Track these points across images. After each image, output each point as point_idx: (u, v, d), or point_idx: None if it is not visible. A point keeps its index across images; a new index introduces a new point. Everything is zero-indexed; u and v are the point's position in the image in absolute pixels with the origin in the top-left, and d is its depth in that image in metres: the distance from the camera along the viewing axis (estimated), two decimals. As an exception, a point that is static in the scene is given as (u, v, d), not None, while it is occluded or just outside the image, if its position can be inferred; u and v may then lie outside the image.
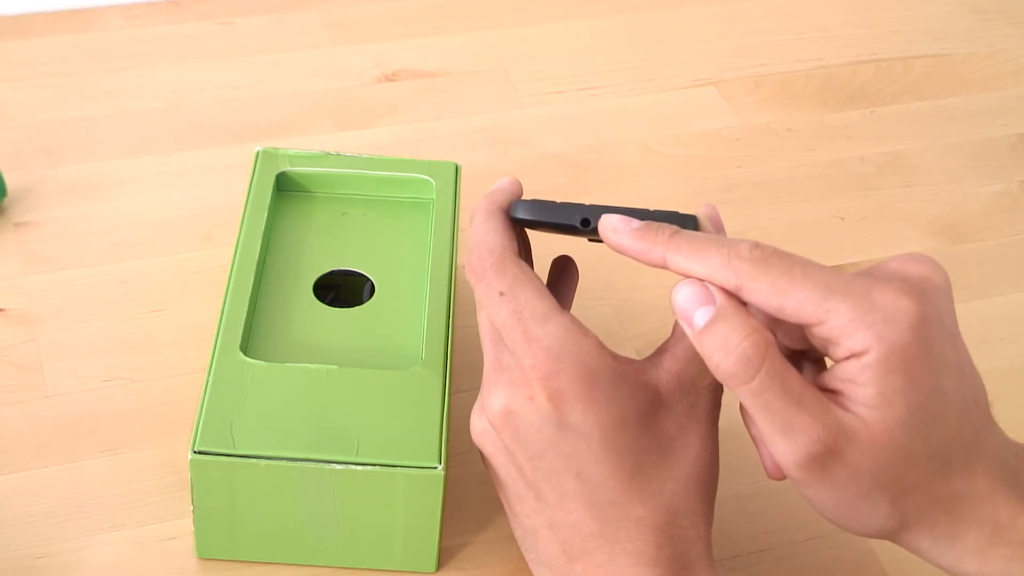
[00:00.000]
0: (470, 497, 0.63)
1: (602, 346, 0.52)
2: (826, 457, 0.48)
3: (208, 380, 0.58)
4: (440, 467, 0.56)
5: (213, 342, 0.60)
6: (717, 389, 0.54)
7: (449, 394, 0.59)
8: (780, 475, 0.51)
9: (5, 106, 0.84)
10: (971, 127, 0.88)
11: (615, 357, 0.52)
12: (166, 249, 0.75)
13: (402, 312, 0.63)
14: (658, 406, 0.53)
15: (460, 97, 0.87)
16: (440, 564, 0.61)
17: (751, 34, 0.95)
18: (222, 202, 0.77)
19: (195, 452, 0.56)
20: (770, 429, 0.48)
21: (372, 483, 0.57)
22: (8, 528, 0.61)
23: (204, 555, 0.60)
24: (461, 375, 0.69)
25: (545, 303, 0.52)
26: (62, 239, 0.75)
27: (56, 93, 0.85)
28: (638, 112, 0.87)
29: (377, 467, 0.56)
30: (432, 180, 0.68)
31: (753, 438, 0.51)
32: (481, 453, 0.56)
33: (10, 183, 0.77)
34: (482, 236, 0.54)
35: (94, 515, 0.62)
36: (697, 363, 0.53)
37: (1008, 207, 0.82)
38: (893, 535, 0.51)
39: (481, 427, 0.54)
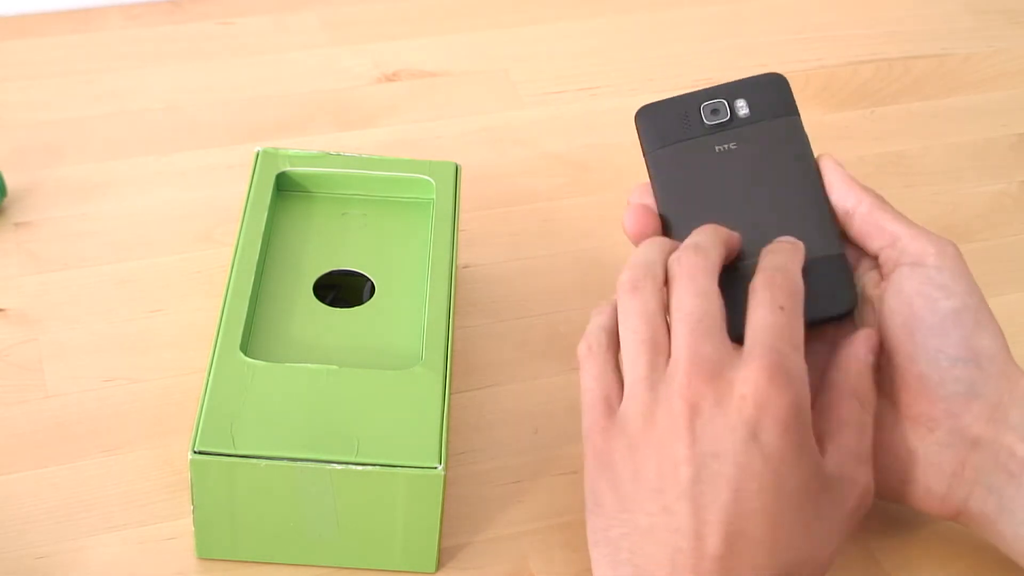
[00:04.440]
0: (470, 497, 0.64)
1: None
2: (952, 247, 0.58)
3: (208, 380, 0.58)
4: (440, 467, 0.56)
5: (213, 342, 0.60)
6: (870, 490, 0.55)
7: (449, 394, 0.59)
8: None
9: (5, 106, 0.84)
10: (971, 127, 0.88)
11: None
12: (166, 249, 0.75)
13: (402, 312, 0.63)
14: (822, 483, 0.54)
15: (460, 97, 0.87)
16: (440, 564, 0.61)
17: (751, 34, 0.95)
18: (222, 202, 0.77)
19: (195, 452, 0.56)
20: (914, 230, 0.58)
21: (372, 483, 0.57)
22: (8, 528, 0.61)
23: (204, 555, 0.60)
24: (461, 375, 0.69)
25: (803, 337, 0.55)
26: (62, 239, 0.75)
27: (56, 93, 0.85)
28: (638, 112, 0.87)
29: (377, 467, 0.56)
30: (432, 180, 0.68)
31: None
32: (597, 447, 0.54)
33: (10, 183, 0.77)
34: (792, 262, 0.57)
35: (94, 515, 0.62)
36: (856, 456, 0.55)
37: (1008, 207, 0.82)
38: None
39: (653, 413, 0.53)
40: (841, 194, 0.60)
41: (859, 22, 0.97)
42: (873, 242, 0.60)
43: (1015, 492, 0.56)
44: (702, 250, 0.56)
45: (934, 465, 0.57)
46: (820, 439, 0.55)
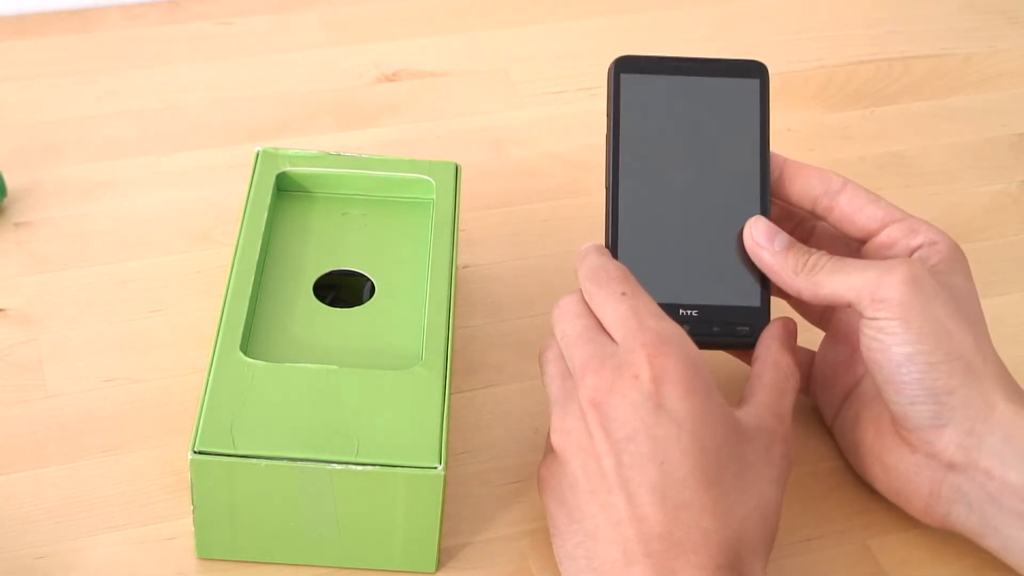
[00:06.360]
0: (470, 497, 0.64)
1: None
2: (919, 273, 0.57)
3: (208, 380, 0.58)
4: (440, 467, 0.56)
5: (213, 342, 0.60)
6: (789, 443, 0.57)
7: (449, 394, 0.59)
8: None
9: (5, 106, 0.84)
10: (971, 127, 0.88)
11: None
12: (166, 249, 0.75)
13: (402, 312, 0.63)
14: (741, 433, 0.55)
15: (460, 97, 0.87)
16: (440, 564, 0.61)
17: (751, 34, 0.95)
18: (222, 202, 0.77)
19: (195, 452, 0.56)
20: (873, 273, 0.57)
21: (372, 483, 0.57)
22: (8, 528, 0.61)
23: (204, 555, 0.60)
24: (461, 375, 0.69)
25: (659, 308, 0.57)
26: (62, 239, 0.75)
27: (56, 93, 0.85)
28: (638, 112, 0.87)
29: (377, 467, 0.56)
30: (432, 180, 0.68)
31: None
32: (543, 478, 0.58)
33: (10, 183, 0.77)
34: (604, 262, 0.59)
35: (94, 515, 0.62)
36: (773, 412, 0.57)
37: (1008, 207, 0.82)
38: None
39: (566, 427, 0.56)
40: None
41: (859, 22, 0.97)
42: (840, 298, 0.60)
43: (997, 511, 0.57)
44: (573, 294, 0.59)
45: (913, 482, 0.60)
46: (743, 402, 0.58)
